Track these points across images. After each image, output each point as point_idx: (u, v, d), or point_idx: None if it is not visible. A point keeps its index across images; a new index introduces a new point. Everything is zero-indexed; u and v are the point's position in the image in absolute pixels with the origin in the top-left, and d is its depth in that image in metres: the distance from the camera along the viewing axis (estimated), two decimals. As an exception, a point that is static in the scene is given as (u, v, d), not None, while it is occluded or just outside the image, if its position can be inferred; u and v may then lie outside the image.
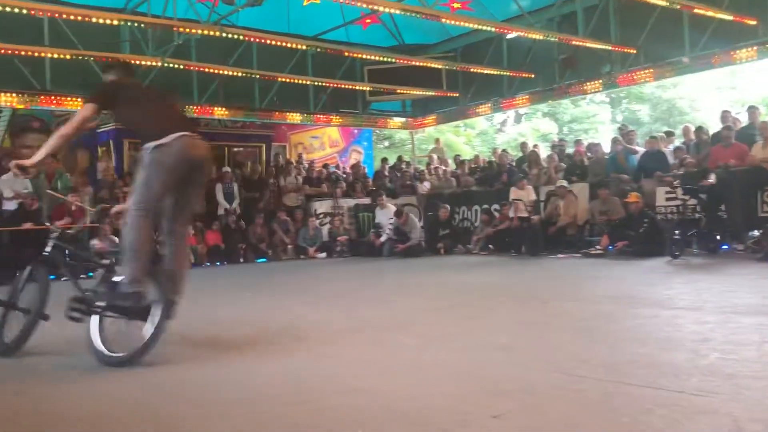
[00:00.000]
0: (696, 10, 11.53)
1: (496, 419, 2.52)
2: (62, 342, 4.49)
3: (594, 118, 31.69)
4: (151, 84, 7.95)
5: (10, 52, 11.30)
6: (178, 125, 4.05)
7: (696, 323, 4.30)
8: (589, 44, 12.75)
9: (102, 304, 3.99)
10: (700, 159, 11.18)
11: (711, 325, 4.20)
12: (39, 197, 11.63)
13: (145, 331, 3.83)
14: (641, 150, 12.44)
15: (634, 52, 13.05)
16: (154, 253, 4.04)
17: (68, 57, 11.71)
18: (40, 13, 10.56)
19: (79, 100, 12.65)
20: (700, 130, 11.89)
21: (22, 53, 11.47)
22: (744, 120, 11.64)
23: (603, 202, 11.38)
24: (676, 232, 9.58)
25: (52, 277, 4.40)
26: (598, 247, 10.78)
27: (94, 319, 3.97)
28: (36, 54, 11.60)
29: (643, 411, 2.51)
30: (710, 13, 11.53)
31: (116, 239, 11.68)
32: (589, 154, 13.28)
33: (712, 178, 9.74)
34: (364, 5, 10.78)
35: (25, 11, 10.03)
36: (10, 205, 11.55)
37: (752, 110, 11.48)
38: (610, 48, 13.02)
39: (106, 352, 3.85)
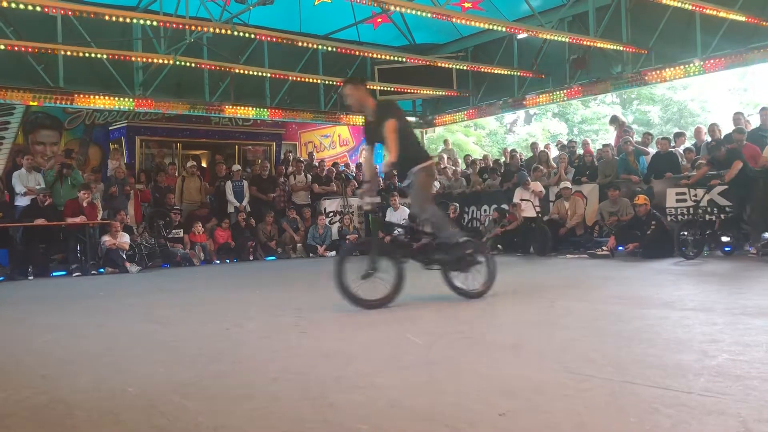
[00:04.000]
0: (708, 11, 11.47)
1: (503, 417, 2.53)
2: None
3: (604, 119, 31.54)
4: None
5: (23, 49, 11.39)
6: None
7: (705, 324, 4.28)
8: (601, 44, 12.71)
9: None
10: (702, 163, 11.10)
11: (720, 326, 4.18)
12: (52, 193, 11.73)
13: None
14: (652, 151, 12.40)
15: (645, 52, 13.00)
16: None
17: (81, 54, 11.79)
18: (54, 10, 10.63)
19: (91, 97, 12.75)
20: (714, 126, 11.78)
21: (36, 50, 11.56)
22: (756, 122, 11.57)
23: (613, 203, 11.36)
24: (685, 233, 9.55)
25: None
26: (604, 248, 10.76)
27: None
28: (49, 51, 11.69)
29: (651, 411, 2.51)
30: (722, 14, 11.47)
31: (127, 236, 11.80)
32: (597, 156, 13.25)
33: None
34: (375, 4, 10.78)
35: (39, 8, 10.10)
36: (23, 201, 11.65)
37: (764, 112, 11.40)
38: (621, 48, 12.97)
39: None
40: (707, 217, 9.98)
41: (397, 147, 5.45)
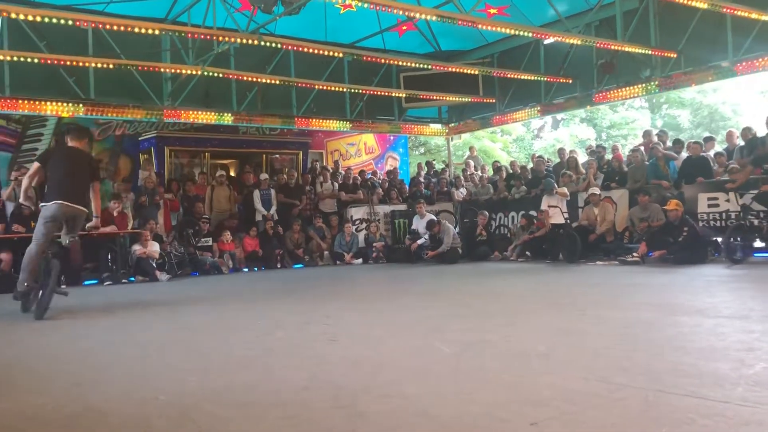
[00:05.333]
0: (739, 13, 11.28)
1: (534, 427, 2.50)
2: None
3: (633, 124, 31.23)
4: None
5: (55, 62, 11.61)
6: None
7: (741, 332, 4.20)
8: (628, 48, 12.57)
9: None
10: (745, 163, 10.92)
11: (757, 334, 4.10)
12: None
13: None
14: (680, 156, 12.22)
15: (675, 56, 12.83)
16: None
17: (111, 66, 11.98)
18: (85, 24, 10.83)
19: (121, 108, 12.97)
20: (747, 130, 11.57)
21: (67, 63, 11.77)
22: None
23: (643, 208, 11.21)
24: (733, 237, 9.41)
25: None
26: (635, 254, 10.61)
27: None
28: (80, 64, 11.89)
29: (686, 421, 2.46)
30: (754, 15, 11.27)
31: (157, 245, 11.95)
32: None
33: None
34: (401, 12, 10.81)
35: (70, 22, 10.30)
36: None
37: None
38: (649, 52, 12.82)
39: None
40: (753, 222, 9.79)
41: None
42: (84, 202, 7.22)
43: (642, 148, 13.22)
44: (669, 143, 13.39)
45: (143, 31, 10.86)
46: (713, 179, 11.15)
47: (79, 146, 7.38)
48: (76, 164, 7.19)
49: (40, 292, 6.79)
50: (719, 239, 10.42)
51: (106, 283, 11.29)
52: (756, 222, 9.76)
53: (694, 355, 3.58)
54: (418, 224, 14.21)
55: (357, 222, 15.16)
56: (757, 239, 9.76)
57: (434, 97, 16.15)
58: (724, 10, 11.28)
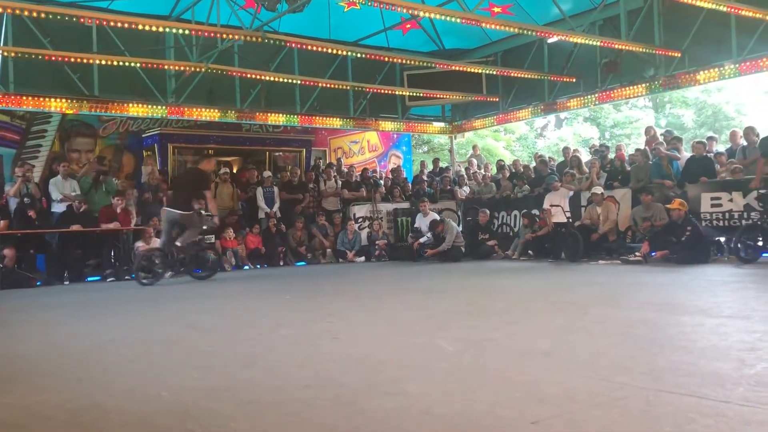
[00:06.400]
0: (744, 12, 11.25)
1: (536, 425, 2.51)
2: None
3: (637, 123, 31.16)
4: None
5: (59, 58, 11.64)
6: None
7: (743, 332, 4.19)
8: (632, 48, 12.55)
9: None
10: (747, 163, 10.90)
11: (759, 334, 4.09)
12: (87, 200, 11.95)
13: None
14: (683, 156, 12.19)
15: (679, 55, 12.80)
16: None
17: (115, 63, 12.00)
18: (89, 20, 10.85)
19: (125, 105, 12.99)
20: (750, 130, 11.54)
21: (72, 60, 11.80)
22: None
23: (646, 207, 11.19)
24: (745, 237, 9.39)
25: None
26: (637, 254, 10.60)
27: None
28: (84, 60, 11.92)
29: (687, 421, 2.46)
30: (759, 15, 11.24)
31: (159, 241, 11.96)
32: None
33: None
34: (405, 10, 10.81)
35: (74, 19, 10.32)
36: (60, 207, 11.89)
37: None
38: (654, 51, 12.80)
39: None
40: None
41: None
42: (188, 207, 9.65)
43: (646, 147, 13.20)
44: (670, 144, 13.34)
45: (147, 28, 10.88)
46: (716, 179, 11.12)
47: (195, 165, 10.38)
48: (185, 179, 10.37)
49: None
50: (722, 239, 10.41)
51: (109, 280, 11.31)
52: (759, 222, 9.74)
53: (696, 355, 3.58)
54: (421, 222, 14.21)
55: (360, 220, 15.17)
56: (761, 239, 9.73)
57: (438, 96, 16.15)
58: (729, 9, 11.26)
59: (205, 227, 10.32)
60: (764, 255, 9.78)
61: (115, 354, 4.44)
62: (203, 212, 9.90)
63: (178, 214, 9.80)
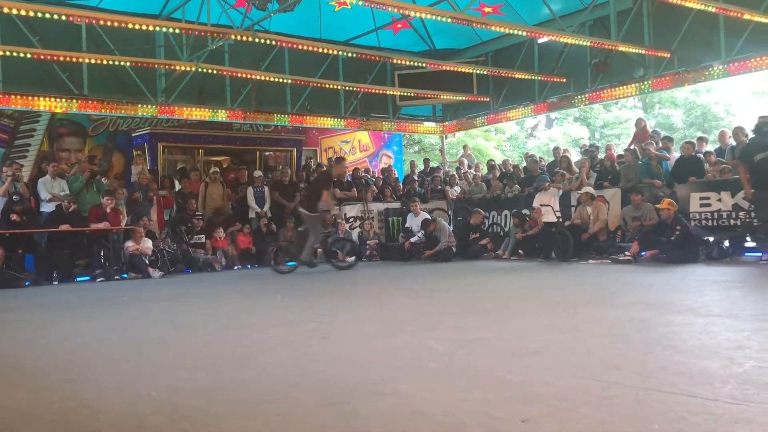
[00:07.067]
0: (732, 13, 11.33)
1: (526, 424, 2.52)
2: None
3: (626, 123, 31.29)
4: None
5: (49, 57, 11.56)
6: None
7: (731, 331, 4.23)
8: (622, 48, 12.60)
9: None
10: (736, 164, 10.94)
11: (746, 332, 4.12)
12: (77, 199, 11.87)
13: None
14: (672, 156, 12.25)
15: (668, 55, 12.87)
16: None
17: (105, 62, 11.93)
18: (78, 19, 10.79)
19: (115, 104, 12.93)
20: (739, 130, 11.60)
21: (61, 58, 11.73)
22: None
23: (636, 207, 11.24)
24: (710, 238, 9.45)
25: None
26: (627, 253, 10.64)
27: None
28: (74, 59, 11.85)
29: (676, 419, 2.48)
30: (747, 16, 11.32)
31: (150, 242, 11.92)
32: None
33: None
34: (396, 10, 10.81)
35: (63, 17, 10.25)
36: (48, 207, 11.81)
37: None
38: (643, 52, 12.86)
39: None
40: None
41: None
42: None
43: (634, 143, 13.24)
44: (660, 144, 13.40)
45: (137, 26, 10.83)
46: (705, 179, 11.18)
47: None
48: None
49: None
50: (711, 239, 10.47)
51: (98, 280, 11.25)
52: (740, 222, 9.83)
53: (685, 354, 3.61)
54: (412, 222, 14.21)
55: (351, 220, 15.15)
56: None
57: (429, 95, 16.16)
58: (717, 10, 11.33)
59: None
60: (747, 255, 9.87)
61: (104, 354, 4.42)
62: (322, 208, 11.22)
63: (312, 215, 11.23)
